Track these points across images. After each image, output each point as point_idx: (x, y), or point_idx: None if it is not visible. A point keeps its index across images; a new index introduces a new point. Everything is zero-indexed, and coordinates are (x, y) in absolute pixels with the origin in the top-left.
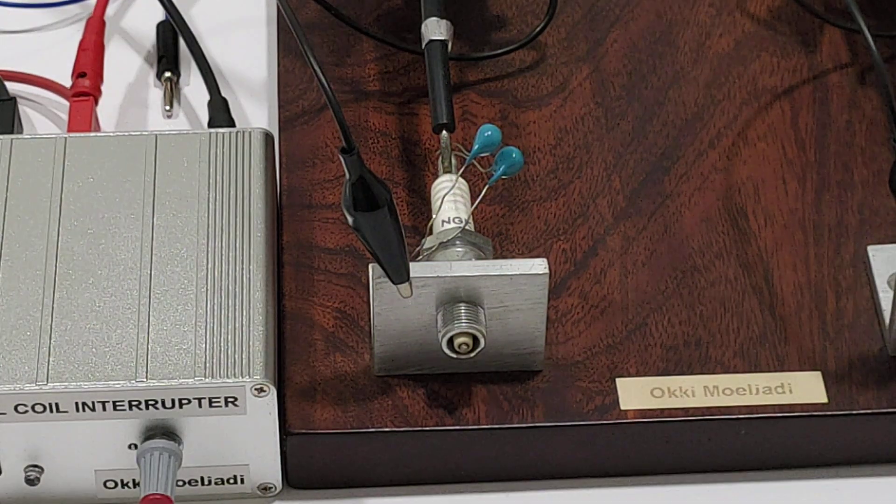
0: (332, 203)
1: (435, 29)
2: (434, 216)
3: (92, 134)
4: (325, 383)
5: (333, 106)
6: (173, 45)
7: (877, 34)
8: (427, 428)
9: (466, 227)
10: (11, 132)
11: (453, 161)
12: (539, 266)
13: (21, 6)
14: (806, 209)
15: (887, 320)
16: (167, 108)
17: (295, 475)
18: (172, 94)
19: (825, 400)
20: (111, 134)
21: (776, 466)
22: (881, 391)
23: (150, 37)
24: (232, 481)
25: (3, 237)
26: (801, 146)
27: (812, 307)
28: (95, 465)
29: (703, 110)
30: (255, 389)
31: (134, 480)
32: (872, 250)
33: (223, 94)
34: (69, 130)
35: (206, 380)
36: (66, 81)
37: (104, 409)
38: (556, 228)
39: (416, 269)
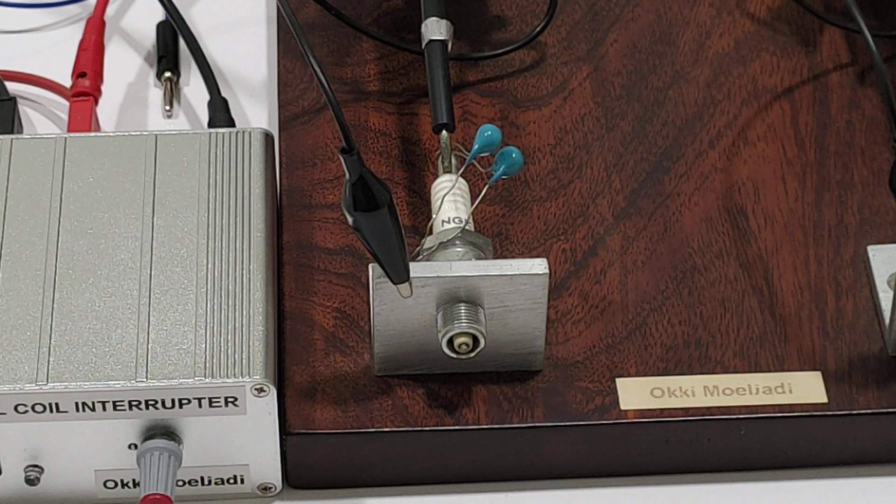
0: (332, 203)
1: (435, 29)
2: (434, 216)
3: (92, 134)
4: (325, 383)
5: (333, 106)
6: (173, 45)
7: (877, 34)
8: (427, 428)
9: (466, 227)
10: (11, 132)
11: (453, 161)
12: (539, 266)
13: (21, 6)
14: (806, 209)
15: (887, 320)
16: (167, 108)
17: (295, 475)
18: (172, 94)
19: (825, 400)
20: (111, 134)
21: (776, 466)
22: (881, 391)
23: (150, 37)
24: (232, 481)
25: (3, 237)
26: (801, 146)
27: (812, 307)
28: (95, 465)
29: (703, 110)
30: (255, 389)
31: (134, 480)
32: (872, 250)
33: (223, 94)
34: (69, 130)
35: (206, 380)
36: (66, 81)
37: (104, 409)
38: (556, 228)
39: (416, 269)
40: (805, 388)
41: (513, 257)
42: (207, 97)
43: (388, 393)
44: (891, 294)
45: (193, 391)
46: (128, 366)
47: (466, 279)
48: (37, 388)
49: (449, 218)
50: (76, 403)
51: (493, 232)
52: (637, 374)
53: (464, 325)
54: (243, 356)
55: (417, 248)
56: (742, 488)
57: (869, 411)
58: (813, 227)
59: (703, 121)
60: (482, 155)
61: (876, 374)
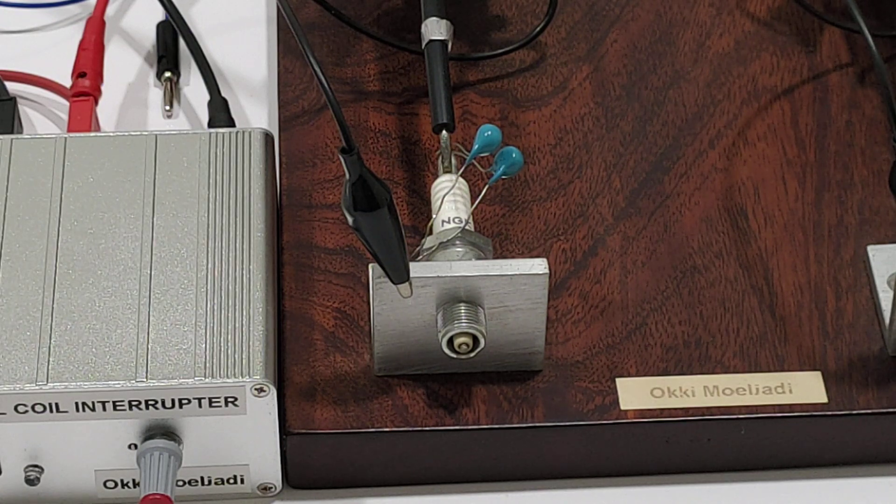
0: (332, 203)
1: (435, 29)
2: (434, 216)
3: (92, 134)
4: (325, 383)
5: (333, 106)
6: (173, 45)
7: (877, 34)
8: (427, 428)
9: (466, 227)
10: (11, 132)
11: (453, 161)
12: (539, 266)
13: (21, 6)
14: (806, 209)
15: (887, 320)
16: (167, 108)
17: (295, 475)
18: (172, 94)
19: (825, 400)
20: (111, 134)
21: (776, 466)
22: (881, 391)
23: (150, 37)
24: (232, 481)
25: (3, 237)
26: (801, 146)
27: (812, 307)
28: (95, 465)
29: (703, 110)
30: (255, 389)
31: (134, 480)
32: (872, 250)
33: (223, 94)
34: (69, 130)
35: (206, 380)
36: (66, 81)
37: (104, 409)
38: (556, 228)
39: (416, 269)
40: (805, 388)
41: (513, 257)
42: (207, 97)
43: (388, 393)
44: (891, 294)
45: (193, 391)
46: (128, 366)
47: (466, 279)
48: (37, 388)
49: (449, 218)
50: (76, 403)
51: (493, 232)
52: (637, 374)
53: (464, 325)
54: (243, 356)
55: (417, 248)
56: (742, 488)
57: (869, 411)
58: (813, 227)
59: (703, 121)
60: (482, 155)
61: (876, 374)
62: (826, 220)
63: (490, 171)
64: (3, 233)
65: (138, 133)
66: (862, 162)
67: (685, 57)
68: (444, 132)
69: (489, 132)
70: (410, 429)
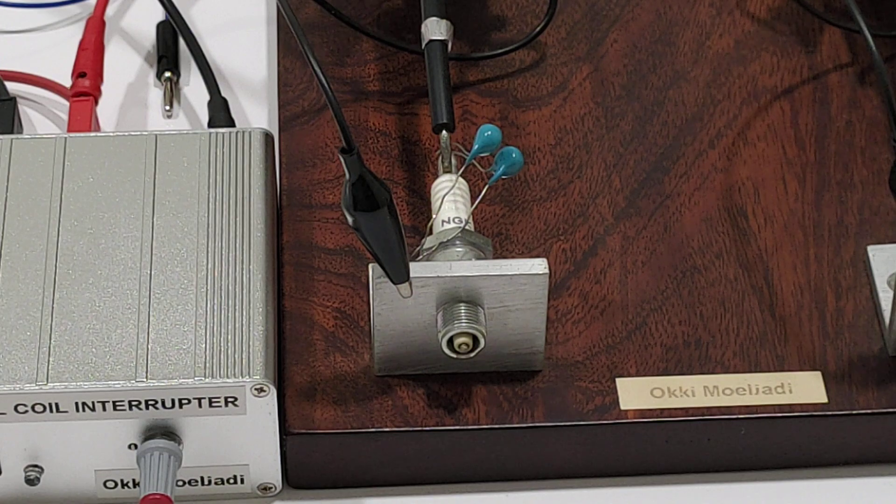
0: (332, 203)
1: (435, 29)
2: (434, 216)
3: (92, 134)
4: (325, 383)
5: (333, 106)
6: (173, 45)
7: (877, 34)
8: (427, 428)
9: (466, 227)
10: (11, 132)
11: (453, 161)
12: (539, 266)
13: (21, 6)
14: (806, 209)
15: (887, 320)
16: (167, 108)
17: (295, 475)
18: (172, 94)
19: (825, 400)
20: (111, 134)
21: (776, 466)
22: (881, 391)
23: (150, 37)
24: (232, 481)
25: (3, 237)
26: (801, 146)
27: (812, 307)
28: (95, 465)
29: (703, 110)
30: (255, 389)
31: (134, 480)
32: (872, 250)
33: (223, 94)
34: (69, 130)
35: (206, 380)
36: (66, 81)
37: (104, 409)
38: (556, 228)
39: (416, 269)
40: (805, 388)
41: (513, 257)
42: (207, 97)
43: (388, 393)
44: (891, 294)
45: (193, 391)
46: (128, 366)
47: (466, 279)
48: (37, 388)
49: (449, 218)
50: (76, 403)
51: (493, 232)
52: (637, 374)
53: (464, 325)
54: (243, 356)
55: (417, 248)
56: (742, 488)
57: (869, 411)
58: (813, 227)
59: (703, 121)
60: (482, 155)
61: (876, 374)
62: (826, 220)
63: (490, 171)
64: (3, 233)
65: (138, 133)
66: (862, 162)
67: (685, 57)
68: (444, 132)
69: (489, 132)
70: (410, 429)
